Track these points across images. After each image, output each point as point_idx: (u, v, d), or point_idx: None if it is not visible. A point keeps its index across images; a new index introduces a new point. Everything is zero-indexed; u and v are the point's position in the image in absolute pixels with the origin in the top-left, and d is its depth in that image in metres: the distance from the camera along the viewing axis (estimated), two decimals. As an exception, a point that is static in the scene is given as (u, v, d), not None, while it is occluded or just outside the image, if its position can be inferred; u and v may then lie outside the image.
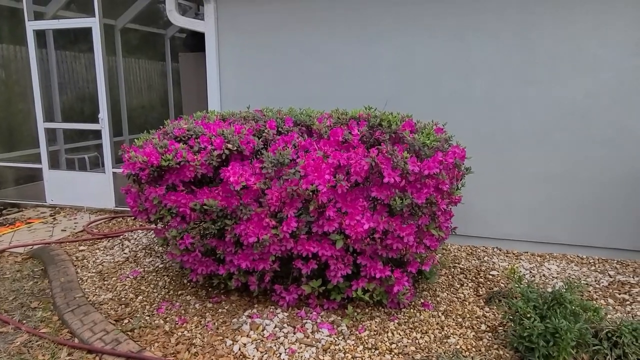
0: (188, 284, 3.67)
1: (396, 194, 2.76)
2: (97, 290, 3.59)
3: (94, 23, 5.37)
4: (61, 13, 6.90)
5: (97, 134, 7.91)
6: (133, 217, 3.63)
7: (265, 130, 3.14)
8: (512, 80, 4.16)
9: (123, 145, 3.48)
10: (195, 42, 5.43)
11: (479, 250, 4.39)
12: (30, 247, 4.54)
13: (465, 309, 3.21)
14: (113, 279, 3.78)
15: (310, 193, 2.77)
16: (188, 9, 6.81)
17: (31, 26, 5.65)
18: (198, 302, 3.36)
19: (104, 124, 5.55)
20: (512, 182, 4.32)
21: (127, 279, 3.77)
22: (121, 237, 4.76)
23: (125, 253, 4.31)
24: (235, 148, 2.98)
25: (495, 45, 4.15)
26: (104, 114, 5.53)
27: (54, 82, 7.00)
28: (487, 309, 3.22)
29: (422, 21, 4.29)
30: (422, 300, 3.30)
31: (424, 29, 4.30)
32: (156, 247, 4.43)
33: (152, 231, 4.83)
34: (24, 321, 3.22)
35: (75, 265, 4.07)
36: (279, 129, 3.27)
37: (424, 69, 4.36)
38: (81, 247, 4.54)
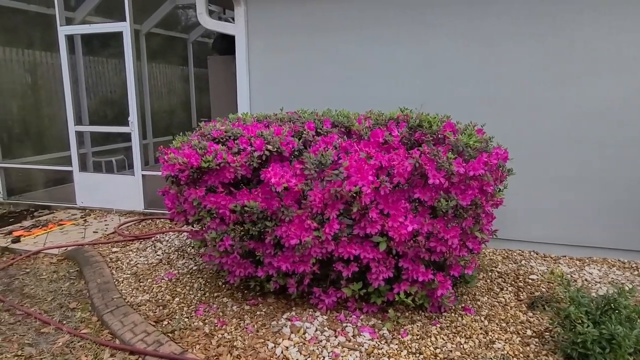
0: (223, 286, 3.66)
1: (441, 195, 2.71)
2: (133, 292, 3.60)
3: (124, 27, 5.43)
4: (88, 19, 7.02)
5: (124, 137, 8.01)
6: (170, 220, 3.63)
7: (305, 132, 3.11)
8: (544, 81, 4.08)
9: (160, 147, 3.50)
10: (224, 45, 5.45)
11: (515, 254, 4.30)
12: (64, 248, 4.59)
13: (508, 314, 3.13)
14: (148, 280, 3.80)
15: (353, 194, 2.73)
16: (211, 13, 6.85)
17: (63, 31, 5.74)
18: (235, 304, 3.34)
19: (133, 127, 5.60)
20: (548, 183, 4.23)
21: (162, 280, 3.78)
22: (153, 239, 4.79)
23: (158, 255, 4.33)
24: (275, 149, 2.96)
25: (525, 47, 4.07)
26: (133, 117, 5.58)
27: (81, 86, 7.11)
28: (530, 313, 3.14)
29: (449, 24, 4.24)
30: (463, 305, 3.23)
31: (450, 31, 4.24)
32: (188, 249, 4.44)
33: (184, 233, 4.85)
34: (64, 322, 3.24)
35: (109, 267, 4.09)
36: (318, 130, 3.24)
37: (452, 71, 4.30)
38: (114, 249, 4.57)
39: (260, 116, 3.81)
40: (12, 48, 7.08)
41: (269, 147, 2.95)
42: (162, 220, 5.56)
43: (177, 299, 3.47)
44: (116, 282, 3.77)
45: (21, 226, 5.36)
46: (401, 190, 2.89)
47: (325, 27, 4.64)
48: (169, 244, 4.58)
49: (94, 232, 5.13)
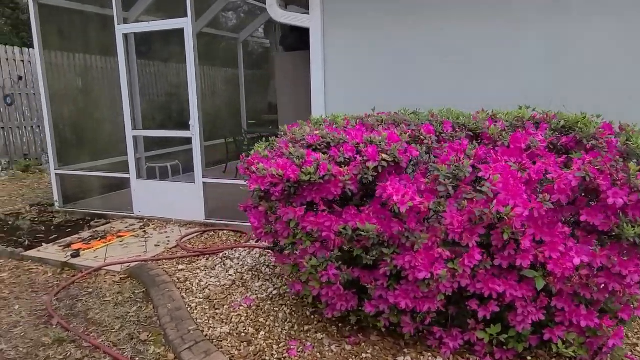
0: (312, 316, 3.14)
1: (621, 219, 2.08)
2: (210, 322, 3.13)
3: (186, 24, 5.03)
4: (141, 19, 6.70)
5: (177, 141, 7.68)
6: (257, 240, 3.14)
7: (425, 137, 2.54)
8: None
9: (242, 156, 3.01)
10: (293, 41, 4.95)
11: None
12: (127, 265, 4.20)
13: (686, 367, 2.46)
14: (225, 307, 3.32)
15: (497, 217, 2.14)
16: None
17: (120, 30, 5.40)
18: (333, 342, 2.81)
19: (195, 131, 5.19)
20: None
21: (241, 307, 3.29)
22: (220, 255, 4.33)
23: (230, 275, 3.86)
24: (391, 159, 2.40)
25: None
26: (195, 120, 5.17)
27: (135, 89, 6.80)
28: None
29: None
30: (626, 353, 2.58)
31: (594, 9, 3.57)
32: (263, 269, 3.95)
33: (255, 250, 4.37)
34: (137, 358, 2.80)
35: (178, 289, 3.65)
36: (438, 135, 2.67)
37: (588, 59, 3.61)
38: (180, 266, 4.14)
39: (352, 118, 3.27)
40: (64, 52, 6.87)
41: (385, 156, 2.39)
42: (225, 232, 5.12)
43: (262, 332, 2.97)
44: (189, 309, 3.32)
45: (79, 238, 5.04)
46: (555, 210, 2.28)
47: (411, 14, 4.07)
48: (240, 262, 4.11)
49: (155, 245, 4.73)
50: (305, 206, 2.58)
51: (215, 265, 4.08)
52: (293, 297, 3.41)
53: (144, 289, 3.74)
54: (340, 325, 3.00)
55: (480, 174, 2.23)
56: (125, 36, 5.43)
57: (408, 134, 2.52)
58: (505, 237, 2.12)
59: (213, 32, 9.10)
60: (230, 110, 9.82)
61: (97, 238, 5.02)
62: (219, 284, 3.71)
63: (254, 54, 10.67)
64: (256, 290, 3.55)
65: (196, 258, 4.35)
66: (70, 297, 3.69)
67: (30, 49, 10.61)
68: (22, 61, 10.29)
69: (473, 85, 3.96)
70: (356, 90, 4.37)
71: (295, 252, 2.75)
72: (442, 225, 2.21)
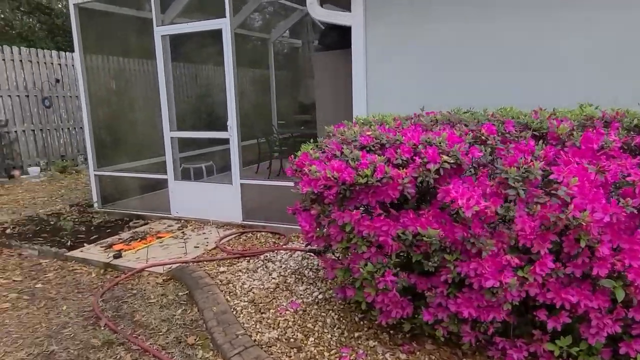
0: (361, 322, 3.05)
1: None
2: (257, 326, 3.07)
3: (224, 24, 5.01)
4: (176, 20, 6.73)
5: (212, 142, 7.70)
6: (307, 244, 3.07)
7: (488, 138, 2.42)
8: None
9: (291, 157, 2.95)
10: (332, 39, 4.87)
11: None
12: (169, 266, 4.20)
13: None
14: (271, 311, 3.26)
15: (574, 223, 2.01)
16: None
17: (159, 32, 5.43)
18: (386, 350, 2.71)
19: (232, 132, 5.17)
20: None
21: (287, 312, 3.23)
22: (261, 257, 4.28)
23: (273, 278, 3.80)
24: (453, 161, 2.29)
25: None
26: (232, 121, 5.14)
27: (171, 91, 6.83)
28: None
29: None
30: None
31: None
32: (306, 272, 3.88)
33: (297, 253, 4.30)
34: (187, 363, 2.76)
35: (222, 291, 3.62)
36: (500, 136, 2.54)
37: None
38: (221, 268, 4.11)
39: (403, 118, 3.17)
40: (102, 55, 6.96)
41: (446, 158, 2.28)
42: (262, 233, 5.08)
43: (311, 338, 2.89)
44: (234, 312, 3.27)
45: (120, 239, 5.08)
46: (632, 216, 2.12)
47: (469, 6, 3.93)
48: (282, 265, 4.05)
49: (194, 247, 4.72)
50: (364, 210, 2.50)
51: (257, 268, 4.04)
52: (339, 301, 3.33)
53: (187, 291, 3.72)
54: (391, 332, 2.90)
55: (552, 177, 2.09)
56: (164, 38, 5.44)
57: (470, 134, 2.40)
58: (582, 244, 1.98)
59: (244, 32, 9.12)
60: (261, 111, 9.82)
61: (137, 239, 5.05)
62: (262, 287, 3.66)
63: (285, 54, 10.65)
64: (301, 294, 3.48)
65: (237, 260, 4.31)
66: (116, 298, 3.70)
67: (67, 53, 10.87)
68: (59, 64, 10.53)
69: (524, 83, 3.79)
70: (399, 89, 4.26)
71: (347, 256, 2.67)
72: (512, 231, 2.09)
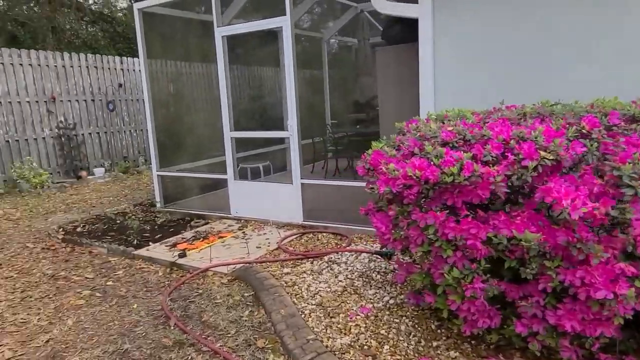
0: (439, 330, 2.86)
1: None
2: (327, 331, 2.96)
3: (285, 22, 4.95)
4: (233, 22, 6.78)
5: (268, 142, 7.72)
6: (382, 246, 2.92)
7: (591, 131, 2.17)
8: None
9: (364, 155, 2.81)
10: (395, 33, 4.69)
11: None
12: (233, 266, 4.18)
13: None
14: (340, 315, 3.14)
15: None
16: None
17: (220, 32, 5.46)
18: (470, 362, 2.51)
19: (292, 131, 5.11)
20: None
21: (358, 317, 3.09)
22: (325, 259, 4.18)
23: (339, 280, 3.68)
24: (553, 157, 2.06)
25: None
26: (292, 120, 5.08)
27: (229, 90, 6.89)
28: None
29: None
30: None
31: None
32: (374, 275, 3.73)
33: (363, 254, 4.16)
34: (258, 367, 2.69)
35: (288, 293, 3.53)
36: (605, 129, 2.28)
37: None
38: (285, 270, 4.04)
39: (482, 112, 2.95)
40: (164, 59, 7.13)
41: (545, 154, 2.06)
42: (324, 234, 4.97)
43: (386, 346, 2.74)
44: (303, 315, 3.18)
45: (183, 238, 5.14)
46: None
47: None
48: (348, 267, 3.92)
49: (256, 247, 4.69)
50: (448, 211, 2.32)
51: (322, 270, 3.93)
52: (412, 307, 3.15)
53: (253, 292, 3.67)
54: (473, 342, 2.69)
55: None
56: (224, 38, 5.47)
57: (572, 128, 2.16)
58: None
59: (297, 32, 9.09)
60: (315, 110, 9.76)
61: (199, 238, 5.09)
62: (329, 289, 3.54)
63: (338, 52, 10.55)
64: (370, 299, 3.34)
65: (300, 261, 4.23)
66: (183, 297, 3.71)
67: (128, 58, 11.31)
68: (122, 69, 10.96)
69: (603, 74, 3.45)
70: (471, 83, 4.02)
71: (427, 260, 2.49)
72: (629, 235, 1.85)
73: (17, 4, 15.36)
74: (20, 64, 8.96)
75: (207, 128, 7.54)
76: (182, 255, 4.51)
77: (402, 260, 2.83)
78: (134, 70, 11.24)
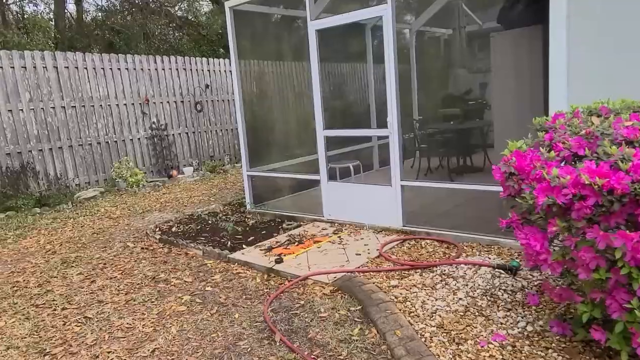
0: (600, 371, 2.34)
1: None
2: (456, 361, 2.55)
3: (385, 11, 4.57)
4: (321, 16, 6.50)
5: (351, 141, 7.39)
6: (533, 267, 2.48)
7: None
8: None
9: (505, 158, 2.36)
10: (514, 17, 4.13)
11: None
12: (334, 276, 3.89)
13: None
14: (468, 342, 2.71)
15: None
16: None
17: (313, 26, 5.20)
18: (658, 420, 1.98)
19: (392, 129, 4.72)
20: None
21: (491, 346, 2.65)
22: (438, 271, 3.75)
23: (459, 298, 3.24)
24: None
25: None
26: (392, 117, 4.69)
27: (322, 87, 6.63)
28: None
29: None
30: None
31: None
32: (499, 293, 3.25)
33: (483, 268, 3.68)
34: (381, 401, 2.34)
35: (401, 311, 3.16)
36: None
37: None
38: (392, 282, 3.67)
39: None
40: (253, 58, 7.04)
41: None
42: (427, 241, 4.54)
43: (535, 387, 2.28)
44: (423, 340, 2.79)
45: (277, 242, 4.95)
46: None
47: None
48: (467, 283, 3.46)
49: (356, 254, 4.37)
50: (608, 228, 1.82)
51: (436, 284, 3.51)
52: (558, 337, 2.64)
53: (360, 307, 3.34)
54: (652, 391, 2.14)
55: None
56: (318, 33, 5.20)
57: None
58: None
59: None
60: (402, 105, 9.28)
61: (294, 242, 4.87)
62: (449, 309, 3.12)
63: (426, 43, 9.95)
64: (502, 323, 2.87)
65: (407, 272, 3.84)
66: (284, 308, 3.47)
67: (214, 59, 11.54)
68: (208, 70, 11.20)
69: None
70: (614, 71, 3.38)
71: (600, 289, 2.00)
72: None
73: (113, 14, 16.44)
74: (118, 69, 9.40)
75: (295, 127, 7.37)
76: (279, 260, 4.31)
77: (552, 284, 2.34)
78: (219, 71, 11.45)
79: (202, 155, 11.01)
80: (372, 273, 3.88)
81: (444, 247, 4.35)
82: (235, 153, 11.75)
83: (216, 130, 11.39)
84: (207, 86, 11.04)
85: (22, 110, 7.98)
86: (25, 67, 8.02)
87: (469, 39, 7.74)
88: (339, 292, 3.66)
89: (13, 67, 7.86)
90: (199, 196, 8.07)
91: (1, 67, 7.72)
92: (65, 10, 16.48)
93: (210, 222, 6.05)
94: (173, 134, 10.40)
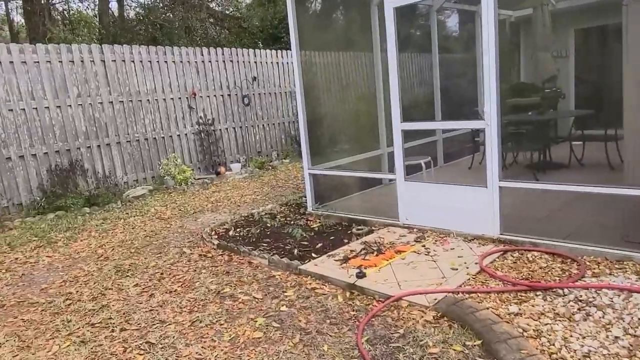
0: None
1: None
2: None
3: (484, -20, 3.86)
4: None
5: (425, 134, 6.70)
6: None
7: None
8: None
9: None
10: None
11: None
12: (434, 298, 3.24)
13: None
14: (656, 405, 2.02)
15: None
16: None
17: (390, 3, 4.52)
18: None
19: (490, 120, 4.01)
20: None
21: (692, 413, 1.95)
22: (570, 295, 3.04)
23: (615, 336, 2.53)
24: None
25: None
26: (490, 106, 3.98)
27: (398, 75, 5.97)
28: None
29: None
30: None
31: None
32: (671, 332, 2.52)
33: (636, 295, 2.94)
34: None
35: (538, 350, 2.49)
36: None
37: None
38: (511, 307, 3.00)
39: None
40: (313, 50, 6.43)
41: None
42: (534, 253, 3.82)
43: None
44: (586, 397, 2.11)
45: (352, 250, 4.35)
46: None
47: None
48: (622, 315, 2.73)
49: (451, 268, 3.71)
50: None
51: (573, 315, 2.81)
52: None
53: (479, 341, 2.69)
54: None
55: None
56: (396, 11, 4.53)
57: None
58: None
59: (446, 4, 7.88)
60: (464, 96, 8.49)
61: (371, 252, 4.25)
62: (605, 351, 2.42)
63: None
64: (692, 377, 2.16)
65: (523, 295, 3.15)
66: (381, 339, 2.87)
67: (260, 50, 11.03)
68: (255, 62, 10.70)
69: None
70: None
71: None
72: None
73: (154, 10, 16.24)
74: (165, 61, 9.02)
75: (358, 121, 6.74)
76: (361, 275, 3.70)
77: None
78: (265, 62, 10.94)
79: (249, 151, 10.55)
80: (479, 295, 3.22)
81: (560, 262, 3.62)
82: (282, 148, 11.24)
83: (263, 125, 10.90)
84: (254, 78, 10.55)
85: (70, 106, 7.70)
86: (72, 62, 7.73)
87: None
88: (445, 318, 3.02)
89: (61, 62, 7.57)
90: (251, 195, 7.58)
91: (49, 62, 7.45)
92: (109, 7, 16.42)
93: (270, 225, 5.51)
94: (220, 129, 9.98)
